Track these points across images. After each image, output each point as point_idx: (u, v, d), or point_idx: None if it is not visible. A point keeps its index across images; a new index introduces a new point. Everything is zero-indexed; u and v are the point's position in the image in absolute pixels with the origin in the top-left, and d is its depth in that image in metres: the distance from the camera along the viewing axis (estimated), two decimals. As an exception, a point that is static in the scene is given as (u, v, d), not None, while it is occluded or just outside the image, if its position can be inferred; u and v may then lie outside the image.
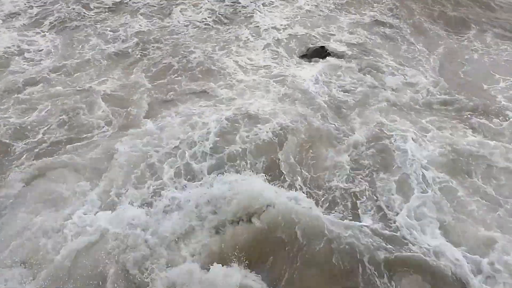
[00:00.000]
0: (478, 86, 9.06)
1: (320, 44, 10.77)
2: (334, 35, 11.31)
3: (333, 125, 7.73)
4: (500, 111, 8.20)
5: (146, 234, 5.49)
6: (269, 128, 7.47)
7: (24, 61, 9.77)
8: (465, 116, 8.03)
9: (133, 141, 7.19)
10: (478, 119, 7.91)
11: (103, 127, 7.72)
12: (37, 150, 7.09)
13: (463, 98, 8.51)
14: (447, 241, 5.52)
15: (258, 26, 11.76)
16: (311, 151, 7.14)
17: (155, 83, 9.04)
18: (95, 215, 5.81)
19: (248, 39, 11.12)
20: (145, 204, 6.08)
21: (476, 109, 8.22)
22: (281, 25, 11.87)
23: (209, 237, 5.50)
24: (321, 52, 10.39)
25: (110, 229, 5.56)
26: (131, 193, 6.24)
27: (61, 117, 7.86)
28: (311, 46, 10.74)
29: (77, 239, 5.43)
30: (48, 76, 9.18)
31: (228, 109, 8.09)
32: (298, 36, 11.29)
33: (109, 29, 11.42)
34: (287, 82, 9.10)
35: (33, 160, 6.84)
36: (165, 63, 9.86)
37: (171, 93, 8.73)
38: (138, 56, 10.14)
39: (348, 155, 7.06)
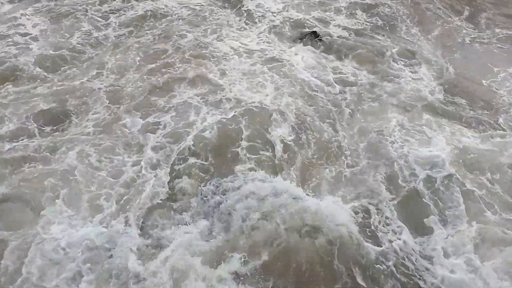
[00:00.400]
0: (477, 82, 8.91)
1: (315, 29, 10.51)
2: (332, 18, 11.07)
3: (334, 132, 7.41)
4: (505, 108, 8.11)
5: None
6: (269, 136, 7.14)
7: (7, 49, 9.23)
8: (468, 115, 7.87)
9: (115, 152, 6.69)
10: (481, 117, 7.82)
11: (89, 129, 7.15)
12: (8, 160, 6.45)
13: (466, 94, 8.39)
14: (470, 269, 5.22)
15: (252, 10, 11.42)
16: (312, 167, 6.75)
17: (148, 71, 8.73)
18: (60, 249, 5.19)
19: (242, 23, 10.84)
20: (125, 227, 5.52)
21: (479, 106, 8.14)
22: (277, 9, 11.55)
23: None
24: (314, 37, 10.16)
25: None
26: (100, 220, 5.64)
27: (41, 125, 7.21)
28: (305, 30, 10.51)
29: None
30: (33, 69, 8.63)
31: (226, 99, 7.86)
32: (294, 20, 11.01)
33: (99, 14, 11.03)
34: (283, 70, 8.92)
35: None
36: (158, 48, 9.59)
37: (166, 76, 8.48)
38: (131, 42, 9.83)
39: (350, 169, 6.69)
